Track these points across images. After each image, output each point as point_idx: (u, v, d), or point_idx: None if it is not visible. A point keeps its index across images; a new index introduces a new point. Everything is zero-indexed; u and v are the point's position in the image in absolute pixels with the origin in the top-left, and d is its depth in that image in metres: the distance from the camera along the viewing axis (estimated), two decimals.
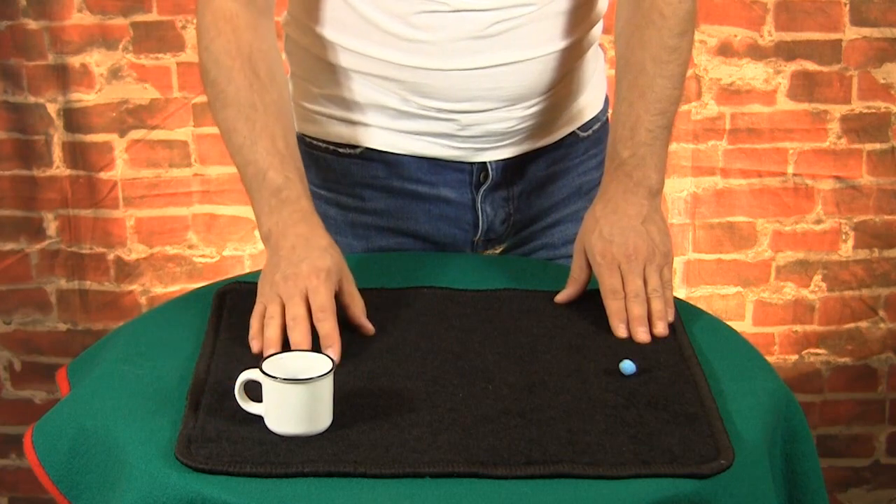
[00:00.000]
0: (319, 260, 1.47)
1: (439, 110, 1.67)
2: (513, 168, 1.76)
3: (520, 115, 1.70)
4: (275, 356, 1.32)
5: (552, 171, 1.80)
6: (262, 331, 1.45)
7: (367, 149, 1.73)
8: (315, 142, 1.76)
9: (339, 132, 1.74)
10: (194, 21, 2.61)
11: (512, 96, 1.68)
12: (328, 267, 1.46)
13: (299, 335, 1.42)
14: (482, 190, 1.75)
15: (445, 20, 1.61)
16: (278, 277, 1.46)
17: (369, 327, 1.49)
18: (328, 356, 1.33)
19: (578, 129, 1.80)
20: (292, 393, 1.27)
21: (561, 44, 1.68)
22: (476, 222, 1.77)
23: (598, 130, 1.82)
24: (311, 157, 1.76)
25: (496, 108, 1.68)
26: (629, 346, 1.49)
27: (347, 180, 1.75)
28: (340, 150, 1.74)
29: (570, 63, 1.72)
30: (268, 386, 1.28)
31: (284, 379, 1.28)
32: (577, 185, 1.81)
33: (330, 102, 1.73)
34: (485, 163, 1.74)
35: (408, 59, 1.64)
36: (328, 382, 1.29)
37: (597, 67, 1.81)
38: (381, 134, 1.72)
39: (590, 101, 1.81)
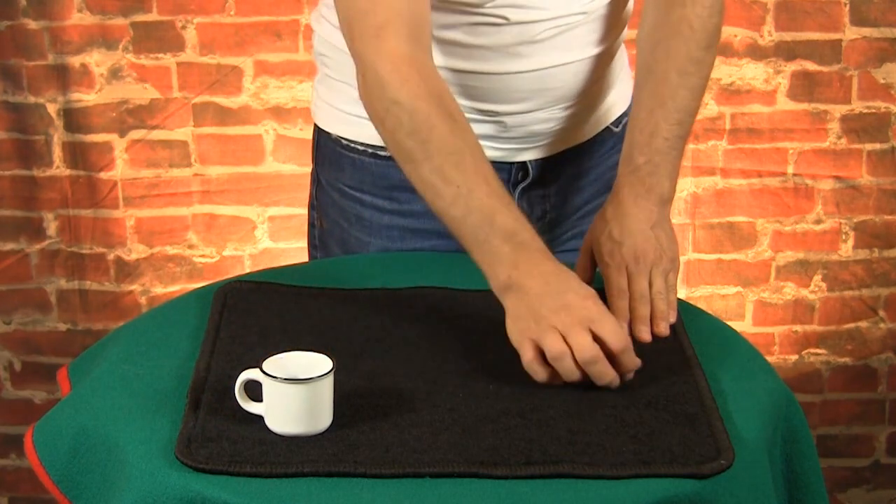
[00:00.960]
0: (582, 290, 1.41)
1: (486, 112, 1.68)
2: (551, 166, 1.77)
3: (560, 114, 1.71)
4: (275, 356, 1.32)
5: (586, 167, 1.81)
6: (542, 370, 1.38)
7: None
8: (352, 144, 1.75)
9: (378, 135, 1.72)
10: (194, 21, 2.61)
11: (557, 96, 1.69)
12: (595, 294, 1.42)
13: (603, 366, 1.37)
14: (520, 188, 1.76)
15: (502, 29, 1.62)
16: (546, 311, 1.38)
17: (636, 363, 1.40)
18: (328, 356, 1.32)
19: (611, 124, 1.81)
20: (292, 393, 1.27)
21: (603, 44, 1.69)
22: None
23: (626, 125, 1.83)
24: (348, 160, 1.76)
25: (540, 109, 1.69)
26: None
27: (384, 183, 1.74)
28: (380, 152, 1.72)
29: (608, 62, 1.73)
30: (268, 386, 1.28)
31: (284, 379, 1.28)
32: (608, 178, 1.81)
33: None
34: (524, 162, 1.75)
35: (459, 64, 1.63)
36: (328, 382, 1.29)
37: (623, 64, 1.82)
38: None
39: (620, 97, 1.82)
